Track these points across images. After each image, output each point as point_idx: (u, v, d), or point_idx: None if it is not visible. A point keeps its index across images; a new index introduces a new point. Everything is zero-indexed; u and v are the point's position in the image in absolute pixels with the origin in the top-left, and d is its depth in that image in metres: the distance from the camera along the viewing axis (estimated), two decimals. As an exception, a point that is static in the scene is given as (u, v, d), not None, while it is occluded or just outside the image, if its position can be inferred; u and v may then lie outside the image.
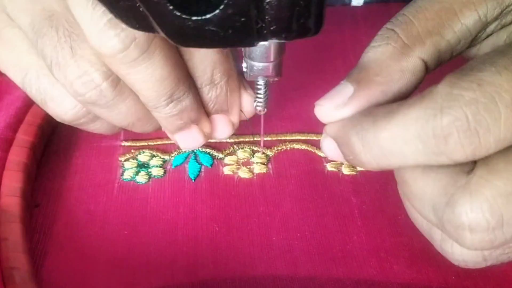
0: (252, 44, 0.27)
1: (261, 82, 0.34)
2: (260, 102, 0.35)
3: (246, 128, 0.41)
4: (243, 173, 0.39)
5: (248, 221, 0.36)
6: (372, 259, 0.33)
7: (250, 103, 0.37)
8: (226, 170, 0.39)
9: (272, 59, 0.32)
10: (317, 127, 0.42)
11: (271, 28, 0.26)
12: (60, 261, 0.34)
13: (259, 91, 0.35)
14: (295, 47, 0.49)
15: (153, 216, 0.36)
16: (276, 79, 0.33)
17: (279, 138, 0.41)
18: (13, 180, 0.36)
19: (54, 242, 0.34)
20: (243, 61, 0.32)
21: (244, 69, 0.32)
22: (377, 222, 0.35)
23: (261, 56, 0.32)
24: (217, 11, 0.25)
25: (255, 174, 0.39)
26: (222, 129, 0.37)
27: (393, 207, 0.36)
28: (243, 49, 0.32)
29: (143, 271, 0.33)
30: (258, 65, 0.32)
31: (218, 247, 0.34)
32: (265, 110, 0.36)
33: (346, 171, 0.39)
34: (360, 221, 0.35)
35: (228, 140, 0.41)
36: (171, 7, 0.25)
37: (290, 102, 0.44)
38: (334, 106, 0.32)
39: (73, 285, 0.32)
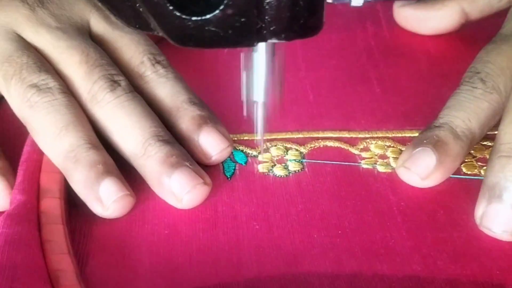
0: (252, 44, 0.27)
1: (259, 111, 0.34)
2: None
3: (277, 125, 0.41)
4: (278, 171, 0.39)
5: (288, 219, 0.36)
6: (415, 256, 0.33)
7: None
8: (261, 168, 0.39)
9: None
10: (348, 124, 0.42)
11: (271, 28, 0.26)
12: (102, 262, 0.33)
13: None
14: (319, 44, 0.49)
15: (193, 215, 0.36)
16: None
17: (311, 135, 0.41)
18: (51, 181, 0.35)
19: (95, 243, 0.34)
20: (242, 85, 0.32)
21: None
22: (417, 219, 0.35)
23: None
24: (217, 11, 0.25)
25: (290, 171, 0.38)
26: (213, 142, 0.37)
27: (431, 204, 0.36)
28: (243, 66, 0.32)
29: (185, 270, 0.33)
30: None
31: (260, 245, 0.34)
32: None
33: (381, 168, 0.39)
34: (400, 218, 0.35)
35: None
36: (171, 7, 0.25)
37: (319, 99, 0.44)
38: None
39: (117, 285, 0.32)
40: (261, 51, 0.30)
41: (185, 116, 0.37)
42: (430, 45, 0.49)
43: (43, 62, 0.37)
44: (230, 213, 0.36)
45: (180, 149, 0.36)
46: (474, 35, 0.49)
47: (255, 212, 0.36)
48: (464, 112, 0.37)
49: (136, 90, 0.38)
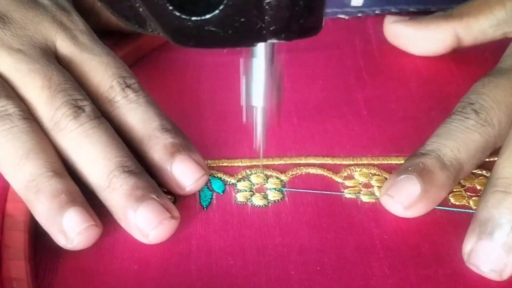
0: (251, 44, 0.27)
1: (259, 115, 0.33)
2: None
3: (258, 150, 0.40)
4: (257, 200, 0.37)
5: (264, 253, 0.34)
6: (397, 295, 0.32)
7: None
8: (239, 197, 0.37)
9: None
10: (332, 149, 0.40)
11: (271, 29, 0.26)
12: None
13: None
14: (306, 62, 0.48)
15: (165, 249, 0.34)
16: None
17: (293, 161, 0.39)
18: (17, 212, 0.34)
19: (60, 279, 0.33)
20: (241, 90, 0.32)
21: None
22: (400, 254, 0.34)
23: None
24: (217, 11, 0.25)
25: (269, 201, 0.37)
26: (187, 171, 0.36)
27: (416, 237, 0.35)
28: (242, 71, 0.31)
29: (155, 309, 0.31)
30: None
31: (234, 282, 0.32)
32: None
33: (365, 198, 0.37)
34: (383, 253, 0.34)
35: (240, 164, 0.39)
36: (171, 7, 0.25)
37: (302, 122, 0.43)
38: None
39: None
40: (260, 56, 0.30)
41: (157, 144, 0.36)
42: (421, 66, 0.48)
43: (4, 87, 0.35)
44: (204, 247, 0.34)
45: (147, 180, 0.34)
46: (467, 58, 0.48)
47: (230, 245, 0.34)
48: (454, 141, 0.35)
49: (106, 116, 0.36)
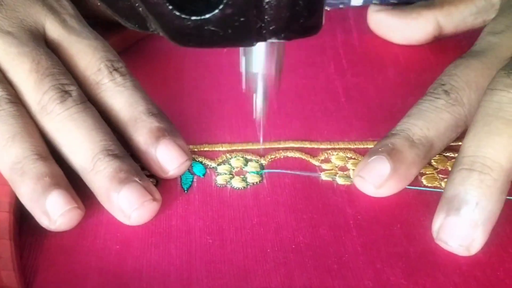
0: (251, 44, 0.27)
1: (259, 83, 0.33)
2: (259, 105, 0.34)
3: (238, 135, 0.41)
4: (236, 183, 0.38)
5: (242, 233, 0.35)
6: (368, 271, 0.33)
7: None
8: (219, 180, 0.38)
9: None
10: (310, 134, 0.42)
11: (271, 28, 0.26)
12: (50, 277, 0.33)
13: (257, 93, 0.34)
14: (287, 51, 0.49)
15: (146, 230, 0.35)
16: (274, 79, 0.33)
17: (272, 146, 0.41)
18: (2, 194, 0.35)
19: (44, 258, 0.34)
20: (241, 57, 0.32)
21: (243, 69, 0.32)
22: (373, 233, 0.35)
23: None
24: (217, 11, 0.25)
25: (248, 183, 0.38)
26: (171, 156, 0.37)
27: (388, 217, 0.36)
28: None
29: (135, 286, 0.32)
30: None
31: (212, 260, 0.34)
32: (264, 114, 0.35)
33: (340, 180, 0.38)
34: (356, 232, 0.35)
35: (221, 149, 0.40)
36: (170, 7, 0.25)
37: (282, 108, 0.44)
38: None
39: (65, 302, 0.32)
40: None
41: (143, 128, 0.37)
42: (399, 55, 0.49)
43: None
44: (183, 227, 0.35)
45: (130, 164, 0.35)
46: (445, 48, 0.49)
47: (209, 225, 0.35)
48: (424, 121, 0.36)
49: (93, 99, 0.37)
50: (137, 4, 0.27)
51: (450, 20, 0.47)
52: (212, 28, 0.26)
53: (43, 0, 0.40)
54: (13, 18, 0.38)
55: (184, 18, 0.25)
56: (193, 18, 0.25)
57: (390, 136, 0.36)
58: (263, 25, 0.26)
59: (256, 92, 0.34)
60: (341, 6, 0.54)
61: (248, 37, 0.26)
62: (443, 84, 0.38)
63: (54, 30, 0.39)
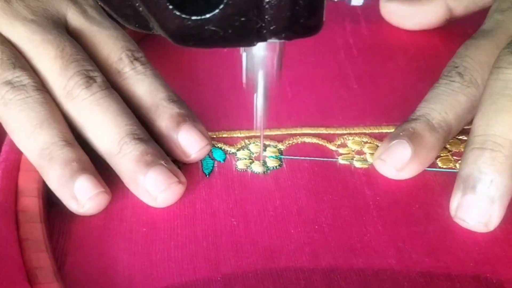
0: (251, 43, 0.27)
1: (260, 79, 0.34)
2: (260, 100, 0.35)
3: (256, 121, 0.41)
4: (256, 167, 0.39)
5: (265, 215, 0.36)
6: (390, 249, 0.34)
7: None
8: (240, 165, 0.39)
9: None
10: (325, 120, 0.42)
11: (271, 28, 0.26)
12: (80, 259, 0.34)
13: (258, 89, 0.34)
14: (297, 41, 0.50)
15: (171, 213, 0.36)
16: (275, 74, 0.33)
17: (289, 132, 0.41)
18: (30, 180, 0.36)
19: (73, 241, 0.34)
20: (242, 53, 0.32)
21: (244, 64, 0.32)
22: (392, 213, 0.36)
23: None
24: (217, 10, 0.25)
25: (268, 168, 0.39)
26: (192, 140, 0.38)
27: (406, 198, 0.37)
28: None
29: (163, 266, 0.33)
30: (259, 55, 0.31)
31: (238, 241, 0.34)
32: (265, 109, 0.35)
33: (358, 164, 0.39)
34: (376, 212, 0.36)
35: (239, 135, 0.41)
36: (171, 7, 0.25)
37: (296, 95, 0.45)
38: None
39: (95, 282, 0.32)
40: None
41: (164, 114, 0.37)
42: (408, 42, 0.50)
43: (18, 58, 0.37)
44: (208, 210, 0.36)
45: (155, 148, 0.36)
46: (453, 32, 0.50)
47: (233, 208, 0.36)
48: (441, 104, 0.37)
49: (114, 86, 0.38)
50: (137, 4, 0.27)
51: (460, 2, 0.48)
52: (213, 28, 0.26)
53: None
54: (36, 7, 0.38)
55: (184, 18, 0.25)
56: (194, 18, 0.25)
57: (410, 121, 0.37)
58: (263, 25, 0.26)
59: (257, 90, 0.34)
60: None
61: (248, 37, 0.27)
62: (456, 67, 0.39)
63: (76, 19, 0.40)
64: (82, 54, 0.38)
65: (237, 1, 0.25)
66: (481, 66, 0.38)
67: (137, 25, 0.29)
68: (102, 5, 0.31)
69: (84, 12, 0.40)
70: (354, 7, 0.55)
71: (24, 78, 0.36)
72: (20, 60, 0.37)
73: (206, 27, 0.26)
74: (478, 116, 0.35)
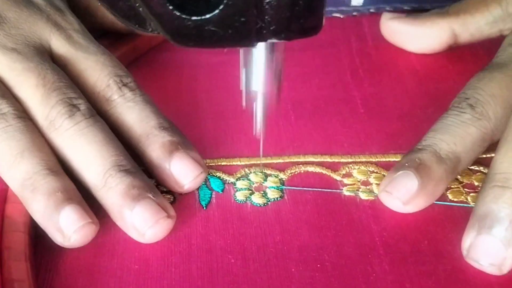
0: (251, 44, 0.27)
1: (259, 100, 0.33)
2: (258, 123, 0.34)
3: (257, 149, 0.40)
4: (257, 199, 0.37)
5: (265, 251, 0.34)
6: (397, 291, 0.32)
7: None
8: (239, 196, 0.37)
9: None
10: (330, 147, 0.41)
11: (271, 28, 0.26)
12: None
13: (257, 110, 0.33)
14: (302, 61, 0.48)
15: (165, 248, 0.34)
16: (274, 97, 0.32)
17: (291, 160, 0.39)
18: (16, 213, 0.34)
19: (61, 279, 0.33)
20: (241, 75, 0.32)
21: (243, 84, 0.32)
22: (400, 250, 0.34)
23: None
24: (217, 11, 0.25)
25: (269, 199, 0.37)
26: (186, 169, 0.36)
27: (415, 233, 0.35)
28: (242, 58, 0.31)
29: (156, 308, 0.31)
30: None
31: (235, 280, 0.32)
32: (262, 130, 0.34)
33: (363, 195, 0.37)
34: (382, 250, 0.34)
35: (239, 163, 0.39)
36: (171, 7, 0.25)
37: (300, 120, 0.43)
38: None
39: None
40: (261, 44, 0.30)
41: (155, 143, 0.36)
42: (416, 64, 0.48)
43: None
44: (204, 246, 0.34)
45: (143, 180, 0.34)
46: (462, 56, 0.48)
47: (230, 244, 0.34)
48: (450, 135, 0.36)
49: (103, 115, 0.36)
50: (137, 4, 0.27)
51: (466, 29, 0.46)
52: (212, 28, 0.25)
53: (48, 16, 0.39)
54: (17, 35, 0.37)
55: (184, 18, 0.25)
56: (193, 18, 0.25)
57: (417, 151, 0.35)
58: (263, 25, 0.26)
59: (256, 111, 0.33)
60: (335, 15, 0.53)
61: (248, 37, 0.26)
62: (467, 98, 0.37)
63: (60, 46, 0.38)
64: (65, 81, 0.36)
65: (237, 2, 0.25)
66: (493, 99, 0.36)
67: (136, 25, 0.28)
68: (102, 5, 0.30)
69: (68, 38, 0.38)
70: (360, 23, 0.53)
71: (4, 107, 0.34)
72: (0, 88, 0.35)
73: (206, 28, 0.26)
74: (501, 152, 0.33)
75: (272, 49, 0.30)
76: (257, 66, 0.31)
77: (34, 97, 0.35)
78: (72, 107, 0.35)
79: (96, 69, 0.37)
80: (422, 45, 0.48)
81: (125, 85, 0.37)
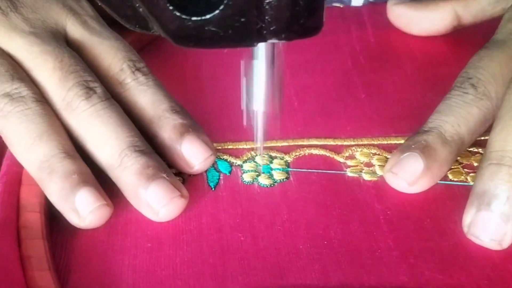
0: (252, 44, 0.27)
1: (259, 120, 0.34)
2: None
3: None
4: (264, 180, 0.38)
5: (273, 230, 0.35)
6: (402, 266, 0.33)
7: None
8: (246, 177, 0.38)
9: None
10: (333, 131, 0.42)
11: (271, 29, 0.26)
12: (84, 276, 0.33)
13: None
14: (303, 49, 0.49)
15: (176, 227, 0.35)
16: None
17: (296, 143, 0.41)
18: (31, 195, 0.35)
19: (76, 257, 0.34)
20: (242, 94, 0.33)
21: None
22: (403, 228, 0.35)
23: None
24: (217, 11, 0.25)
25: (275, 180, 0.38)
26: (196, 151, 0.37)
27: (417, 212, 0.36)
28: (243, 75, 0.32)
29: (169, 284, 0.32)
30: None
31: (245, 257, 0.33)
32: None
33: (366, 176, 0.38)
34: (386, 227, 0.35)
35: (245, 146, 0.40)
36: (171, 7, 0.25)
37: (303, 106, 0.44)
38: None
39: (99, 301, 0.32)
40: (261, 58, 0.30)
41: (167, 125, 0.37)
42: (416, 49, 0.49)
43: (16, 70, 0.36)
44: (214, 224, 0.35)
45: (157, 160, 0.35)
46: (461, 40, 0.49)
47: (239, 223, 0.35)
48: (454, 117, 0.37)
49: (116, 98, 0.37)
50: (137, 5, 0.27)
51: (468, 10, 0.48)
52: (213, 29, 0.26)
53: (63, 1, 0.39)
54: (34, 19, 0.38)
55: (184, 18, 0.25)
56: (194, 18, 0.25)
57: (422, 133, 0.36)
58: (263, 25, 0.26)
59: (256, 130, 0.34)
60: (335, 5, 0.54)
61: (248, 37, 0.26)
62: (469, 78, 0.38)
63: (75, 31, 0.39)
64: (82, 65, 0.37)
65: (237, 2, 0.25)
66: (494, 78, 0.37)
67: (137, 26, 0.29)
68: (102, 5, 0.30)
69: (83, 23, 0.39)
70: (360, 12, 0.54)
71: (22, 90, 0.35)
72: (18, 71, 0.36)
73: (206, 28, 0.26)
74: (496, 130, 0.34)
75: (272, 64, 0.31)
76: (257, 83, 0.31)
77: (52, 79, 0.36)
78: (89, 90, 0.36)
79: (110, 54, 0.38)
80: (427, 28, 0.49)
81: (138, 69, 0.38)
